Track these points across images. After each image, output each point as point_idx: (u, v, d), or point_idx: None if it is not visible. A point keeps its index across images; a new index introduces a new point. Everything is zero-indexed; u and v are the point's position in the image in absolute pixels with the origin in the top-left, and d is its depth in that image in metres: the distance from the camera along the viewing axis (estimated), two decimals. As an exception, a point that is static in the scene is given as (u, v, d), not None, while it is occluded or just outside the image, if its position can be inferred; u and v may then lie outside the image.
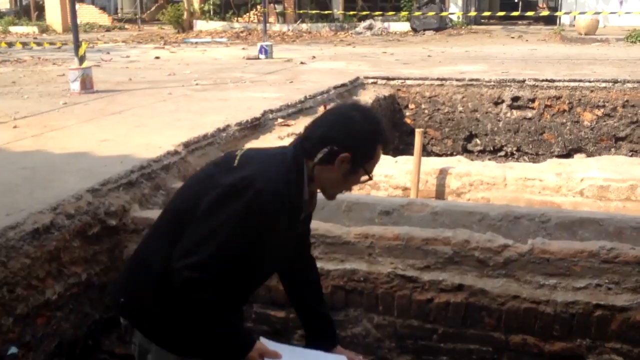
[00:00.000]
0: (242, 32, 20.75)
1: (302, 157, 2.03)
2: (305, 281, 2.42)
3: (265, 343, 2.11)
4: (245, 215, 1.91)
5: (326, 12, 21.90)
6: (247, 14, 24.23)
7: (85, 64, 7.71)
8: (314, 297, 2.42)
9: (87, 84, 7.35)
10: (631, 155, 7.47)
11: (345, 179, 2.07)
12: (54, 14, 23.55)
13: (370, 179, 2.10)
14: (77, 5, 8.50)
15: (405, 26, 20.63)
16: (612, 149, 7.92)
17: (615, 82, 8.00)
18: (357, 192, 4.81)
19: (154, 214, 3.59)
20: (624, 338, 3.00)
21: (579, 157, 7.05)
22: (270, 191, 1.92)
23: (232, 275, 1.99)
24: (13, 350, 2.82)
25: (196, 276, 1.93)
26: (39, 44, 14.55)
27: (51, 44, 14.98)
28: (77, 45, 7.96)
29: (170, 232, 2.04)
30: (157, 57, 12.11)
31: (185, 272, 1.93)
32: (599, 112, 8.02)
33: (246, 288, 2.20)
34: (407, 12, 20.70)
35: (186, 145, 4.56)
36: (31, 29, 22.65)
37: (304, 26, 21.82)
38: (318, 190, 2.15)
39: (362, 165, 2.04)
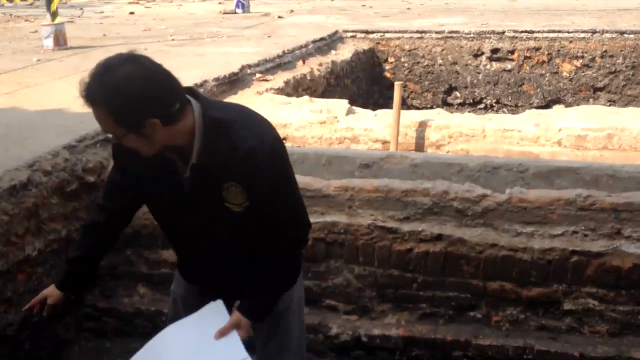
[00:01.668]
0: (218, -14, 20.33)
1: None
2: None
3: (215, 308, 2.09)
4: None
5: (304, -36, 21.49)
6: (224, -33, 23.70)
7: (58, 20, 7.55)
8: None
9: (60, 40, 7.21)
10: (609, 106, 7.53)
11: None
12: (24, -30, 22.90)
13: None
14: (48, -41, 8.32)
15: (384, -22, 20.35)
16: (591, 100, 7.97)
17: (594, 32, 8.00)
18: (337, 146, 4.82)
19: (133, 169, 3.57)
20: (600, 283, 3.06)
21: (557, 108, 7.09)
22: None
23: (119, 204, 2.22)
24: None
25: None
26: (10, 1, 14.19)
27: (23, 0, 14.62)
28: (49, 1, 7.78)
29: None
30: (132, 13, 11.87)
31: None
32: (578, 63, 8.04)
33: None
34: (386, -36, 20.38)
35: (163, 100, 4.49)
36: (2, -14, 22.04)
37: (282, -21, 21.43)
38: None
39: None
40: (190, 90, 1.95)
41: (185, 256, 2.28)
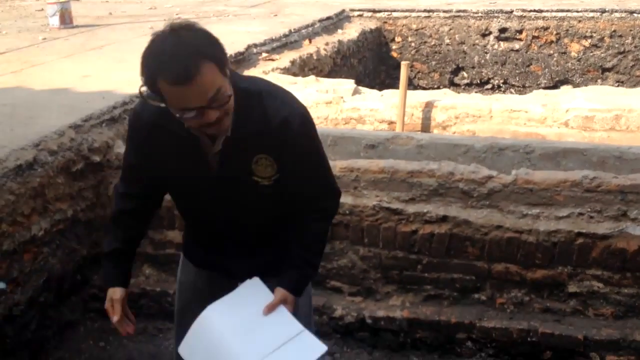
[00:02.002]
0: (224, -36, 20.19)
1: None
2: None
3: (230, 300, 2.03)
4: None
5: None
6: (230, -55, 23.50)
7: (64, -2, 7.50)
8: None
9: (66, 19, 7.17)
10: (617, 86, 7.48)
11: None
12: (29, -53, 22.79)
13: (182, 118, 1.75)
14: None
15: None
16: (599, 80, 7.91)
17: (603, 12, 7.91)
18: (343, 126, 4.80)
19: (138, 149, 3.57)
20: (605, 265, 3.06)
21: (565, 89, 7.04)
22: (133, 110, 2.06)
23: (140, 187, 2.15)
24: (1, 285, 2.84)
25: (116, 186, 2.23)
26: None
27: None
28: (54, -22, 7.72)
29: None
30: (138, -9, 11.80)
31: None
32: (586, 43, 7.97)
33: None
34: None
35: (169, 80, 4.48)
36: (7, -37, 21.95)
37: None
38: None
39: (164, 101, 1.75)
40: None
41: (202, 237, 2.22)
